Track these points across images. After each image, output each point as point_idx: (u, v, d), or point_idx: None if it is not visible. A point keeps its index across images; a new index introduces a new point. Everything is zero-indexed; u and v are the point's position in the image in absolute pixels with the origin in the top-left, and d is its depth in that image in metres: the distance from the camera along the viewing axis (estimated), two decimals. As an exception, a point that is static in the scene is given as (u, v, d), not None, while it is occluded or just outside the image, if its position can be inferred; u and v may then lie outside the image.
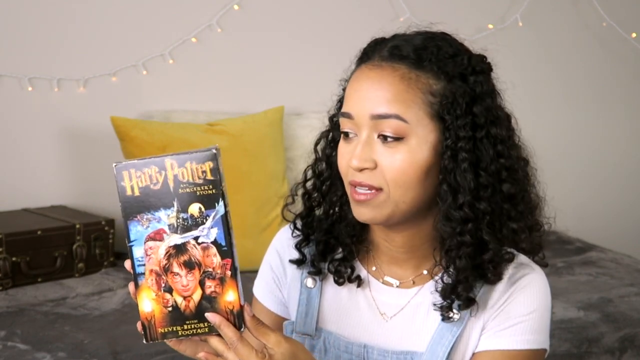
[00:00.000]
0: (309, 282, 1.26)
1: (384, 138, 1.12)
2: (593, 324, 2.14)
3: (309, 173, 1.28)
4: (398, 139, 1.11)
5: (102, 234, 2.45)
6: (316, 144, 1.28)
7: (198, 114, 2.75)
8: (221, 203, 1.01)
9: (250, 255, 2.43)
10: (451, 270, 1.17)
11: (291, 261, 1.27)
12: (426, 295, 1.21)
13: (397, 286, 1.23)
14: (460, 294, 1.15)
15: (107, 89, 2.70)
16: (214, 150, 1.01)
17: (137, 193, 1.02)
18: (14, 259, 2.28)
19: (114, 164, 1.01)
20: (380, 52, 1.15)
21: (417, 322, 1.20)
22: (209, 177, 1.01)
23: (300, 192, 1.28)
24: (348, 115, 1.15)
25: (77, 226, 2.39)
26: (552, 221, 1.25)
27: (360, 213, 1.15)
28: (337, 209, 1.25)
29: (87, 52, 2.67)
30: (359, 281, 1.24)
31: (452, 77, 1.13)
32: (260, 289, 1.32)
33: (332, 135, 1.25)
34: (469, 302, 1.15)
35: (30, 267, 2.31)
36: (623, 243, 3.35)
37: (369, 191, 1.13)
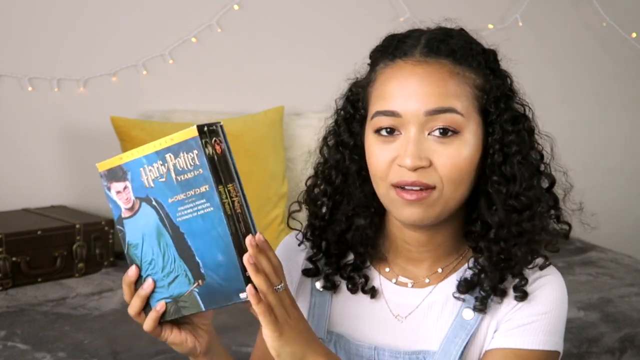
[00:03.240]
0: (318, 285, 1.24)
1: (441, 132, 1.10)
2: (593, 324, 2.14)
3: (315, 180, 1.24)
4: (455, 132, 1.10)
5: (102, 234, 2.45)
6: (321, 149, 1.24)
7: (198, 114, 2.75)
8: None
9: (250, 255, 2.43)
10: (478, 263, 1.16)
11: (304, 272, 1.25)
12: (440, 293, 1.19)
13: (411, 286, 1.21)
14: (517, 287, 1.15)
15: (107, 89, 2.70)
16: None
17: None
18: (14, 259, 2.28)
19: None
20: (416, 47, 1.13)
21: (430, 321, 1.19)
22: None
23: (303, 197, 1.25)
24: (392, 114, 1.11)
25: (77, 226, 2.39)
26: (577, 214, 1.25)
27: (411, 213, 1.12)
28: (349, 218, 1.22)
29: (87, 52, 2.67)
30: (373, 292, 1.22)
31: (488, 72, 1.15)
32: None
33: (342, 139, 1.21)
34: (525, 295, 1.15)
35: (30, 267, 2.31)
36: (623, 243, 3.35)
37: (419, 190, 1.11)
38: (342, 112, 1.22)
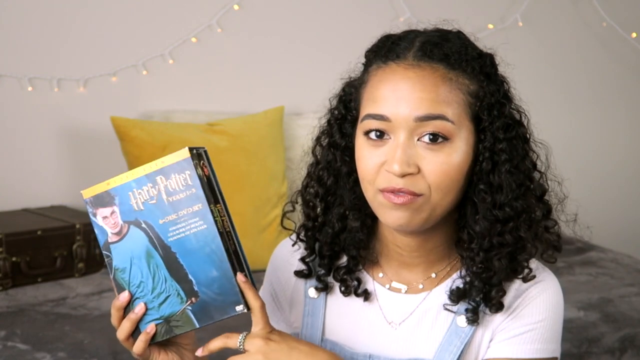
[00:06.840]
0: (312, 292, 1.24)
1: (430, 139, 1.08)
2: (593, 324, 2.14)
3: (308, 181, 1.23)
4: (445, 139, 1.08)
5: (102, 234, 2.45)
6: (313, 149, 1.23)
7: (198, 114, 2.75)
8: None
9: (250, 255, 2.42)
10: (468, 272, 1.15)
11: (296, 273, 1.24)
12: (434, 300, 1.18)
13: (404, 292, 1.20)
14: (494, 297, 1.13)
15: (107, 89, 2.70)
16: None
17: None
18: (14, 259, 2.28)
19: None
20: (410, 50, 1.11)
21: (425, 328, 1.18)
22: None
23: (299, 199, 1.24)
24: (382, 117, 1.09)
25: (77, 226, 2.39)
26: (571, 225, 1.22)
27: (397, 217, 1.10)
28: (341, 220, 1.21)
29: (87, 52, 2.67)
30: (366, 295, 1.21)
31: (482, 77, 1.12)
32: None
33: (334, 140, 1.20)
34: (500, 306, 1.14)
35: (30, 267, 2.31)
36: (623, 243, 3.35)
37: (408, 195, 1.09)
38: (335, 112, 1.21)
